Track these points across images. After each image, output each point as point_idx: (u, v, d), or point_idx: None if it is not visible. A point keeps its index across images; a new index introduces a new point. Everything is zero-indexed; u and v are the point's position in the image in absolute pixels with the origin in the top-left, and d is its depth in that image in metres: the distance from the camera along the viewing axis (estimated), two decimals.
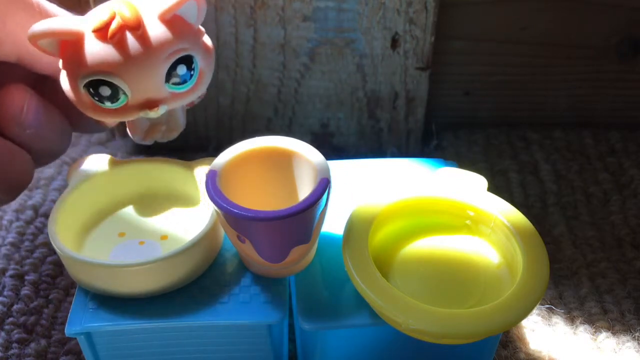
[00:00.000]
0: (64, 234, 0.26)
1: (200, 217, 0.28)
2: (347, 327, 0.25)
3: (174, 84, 0.24)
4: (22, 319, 0.32)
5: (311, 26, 0.38)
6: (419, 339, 0.23)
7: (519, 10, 0.40)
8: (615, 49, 0.41)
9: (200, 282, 0.26)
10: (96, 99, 0.24)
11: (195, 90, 0.25)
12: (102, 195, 0.28)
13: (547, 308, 0.32)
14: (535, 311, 0.32)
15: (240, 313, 0.25)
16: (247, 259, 0.26)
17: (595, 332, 0.31)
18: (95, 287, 0.25)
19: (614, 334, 0.31)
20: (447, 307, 0.23)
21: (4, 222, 0.37)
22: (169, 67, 0.24)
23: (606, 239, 0.36)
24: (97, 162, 0.29)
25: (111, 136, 0.44)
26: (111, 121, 0.27)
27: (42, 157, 0.28)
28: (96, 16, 0.24)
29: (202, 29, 0.26)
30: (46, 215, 0.38)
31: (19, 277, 0.34)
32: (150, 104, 0.24)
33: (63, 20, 0.24)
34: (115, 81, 0.23)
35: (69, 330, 0.25)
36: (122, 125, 0.27)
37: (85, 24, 0.24)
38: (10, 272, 0.34)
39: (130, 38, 0.23)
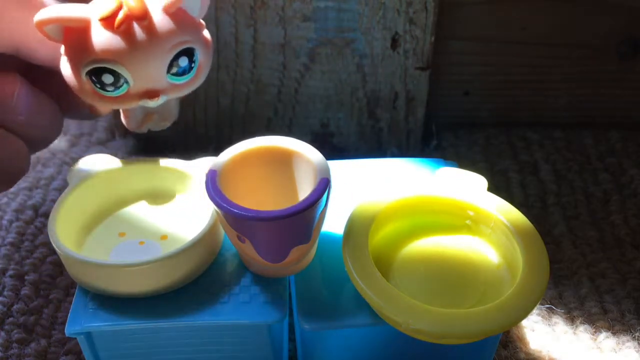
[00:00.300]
0: (64, 233, 0.26)
1: (200, 217, 0.28)
2: (347, 327, 0.25)
3: (175, 75, 0.25)
4: (22, 319, 0.32)
5: (311, 26, 0.38)
6: (419, 339, 0.23)
7: (519, 10, 0.40)
8: (615, 49, 0.41)
9: (200, 282, 0.26)
10: (98, 86, 0.24)
11: (194, 82, 0.26)
12: (102, 195, 0.28)
13: (547, 308, 0.32)
14: (535, 311, 0.32)
15: (240, 313, 0.25)
16: (247, 259, 0.26)
17: (595, 332, 0.31)
18: (95, 287, 0.25)
19: (614, 333, 0.31)
20: (447, 307, 0.23)
21: (4, 222, 0.37)
22: (172, 59, 0.24)
23: (606, 239, 0.36)
24: (97, 162, 0.29)
25: (111, 136, 0.44)
26: (108, 108, 0.27)
27: (34, 144, 0.29)
28: (103, 5, 0.24)
29: (203, 22, 0.26)
30: (46, 215, 0.38)
31: (19, 277, 0.34)
32: (151, 94, 0.25)
33: (71, 7, 0.24)
34: (119, 69, 0.24)
35: (69, 330, 0.25)
36: (123, 125, 0.27)
37: (91, 11, 0.24)
38: (10, 272, 0.34)
39: (136, 28, 0.24)
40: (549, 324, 0.32)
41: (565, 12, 0.40)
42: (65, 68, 0.25)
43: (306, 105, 0.41)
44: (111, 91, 0.24)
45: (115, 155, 0.42)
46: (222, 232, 0.27)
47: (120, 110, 0.27)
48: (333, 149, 0.42)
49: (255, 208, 0.23)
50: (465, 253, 0.26)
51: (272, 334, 0.26)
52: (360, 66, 0.39)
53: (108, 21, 0.23)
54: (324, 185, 0.23)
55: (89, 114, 0.28)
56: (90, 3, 0.25)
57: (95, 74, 0.24)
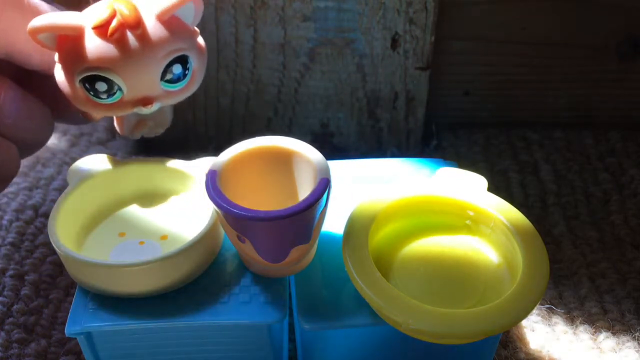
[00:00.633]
0: (64, 233, 0.26)
1: (200, 217, 0.28)
2: (347, 327, 0.25)
3: (169, 82, 0.25)
4: (22, 319, 0.32)
5: (311, 26, 0.38)
6: (419, 339, 0.23)
7: (519, 10, 0.40)
8: (615, 49, 0.41)
9: (200, 282, 0.26)
10: (91, 93, 0.24)
11: (188, 89, 0.26)
12: (102, 195, 0.28)
13: (547, 308, 0.32)
14: (535, 311, 0.32)
15: (240, 313, 0.25)
16: (247, 259, 0.26)
17: (595, 332, 0.31)
18: (95, 287, 0.25)
19: (614, 334, 0.31)
20: (447, 307, 0.23)
21: (4, 222, 0.37)
22: (165, 66, 0.24)
23: (606, 239, 0.36)
24: (97, 162, 0.29)
25: (111, 136, 0.44)
26: (101, 115, 0.27)
27: (24, 148, 0.29)
28: (96, 13, 0.24)
29: (197, 29, 0.26)
30: (46, 215, 0.38)
31: (19, 277, 0.34)
32: (145, 101, 0.25)
33: (64, 15, 0.24)
34: (112, 77, 0.24)
35: (69, 330, 0.25)
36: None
37: (84, 19, 0.24)
38: (10, 272, 0.34)
39: (129, 36, 0.24)
40: (549, 324, 0.32)
41: (565, 12, 0.40)
42: (59, 75, 0.25)
43: (306, 105, 0.41)
44: (105, 99, 0.24)
45: (115, 155, 0.42)
46: (222, 232, 0.27)
47: (114, 117, 0.27)
48: (333, 149, 0.42)
49: (255, 208, 0.23)
50: (465, 253, 0.26)
51: (272, 334, 0.26)
52: (360, 66, 0.39)
53: (101, 29, 0.24)
54: (323, 185, 0.23)
55: (82, 119, 0.28)
56: (84, 11, 0.25)
57: (89, 82, 0.24)
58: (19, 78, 0.29)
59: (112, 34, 0.23)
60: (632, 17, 0.40)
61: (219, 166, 0.25)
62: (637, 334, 0.31)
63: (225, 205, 0.23)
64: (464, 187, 0.27)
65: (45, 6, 0.28)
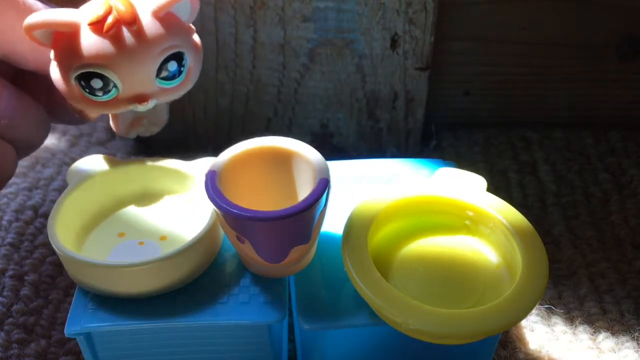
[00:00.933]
0: (63, 234, 0.26)
1: (200, 217, 0.28)
2: (347, 327, 0.25)
3: (164, 79, 0.25)
4: (22, 319, 0.32)
5: (311, 26, 0.38)
6: (418, 339, 0.23)
7: (519, 10, 0.40)
8: (615, 49, 0.41)
9: (200, 282, 0.26)
10: (87, 90, 0.25)
11: (183, 87, 0.26)
12: (102, 195, 0.28)
13: (547, 308, 0.32)
14: (534, 311, 0.32)
15: (240, 313, 0.25)
16: (246, 259, 0.26)
17: (594, 332, 0.31)
18: (95, 287, 0.25)
19: (613, 334, 0.31)
20: (446, 307, 0.23)
21: (4, 223, 0.37)
22: (161, 63, 0.24)
23: (606, 239, 0.36)
24: (97, 162, 0.29)
25: (111, 136, 0.44)
26: (97, 113, 0.27)
27: (20, 148, 0.29)
28: (92, 10, 0.24)
29: (193, 27, 0.26)
30: (46, 216, 0.38)
31: (19, 277, 0.34)
32: (140, 98, 0.25)
33: (60, 12, 0.24)
34: (108, 74, 0.24)
35: (69, 330, 0.25)
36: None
37: (80, 16, 0.24)
38: (10, 273, 0.34)
39: (125, 33, 0.24)
40: (548, 324, 0.32)
41: (565, 12, 0.40)
42: (55, 72, 0.25)
43: (306, 105, 0.41)
44: (100, 96, 0.25)
45: (115, 155, 0.42)
46: (221, 232, 0.27)
47: (109, 115, 0.27)
48: (333, 149, 0.42)
49: (255, 208, 0.23)
50: (465, 253, 0.26)
51: (272, 334, 0.26)
52: (360, 66, 0.39)
53: (97, 26, 0.24)
54: (323, 186, 0.23)
55: (78, 118, 0.28)
56: (80, 8, 0.25)
57: (84, 79, 0.24)
58: (15, 78, 0.29)
59: (108, 30, 0.23)
60: (632, 17, 0.40)
61: (219, 166, 0.25)
62: (636, 334, 0.31)
63: (224, 205, 0.23)
64: (464, 187, 0.27)
65: (40, 6, 0.28)
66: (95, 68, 0.24)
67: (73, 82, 0.24)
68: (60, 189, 0.39)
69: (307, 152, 0.25)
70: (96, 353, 0.26)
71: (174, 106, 0.28)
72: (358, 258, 0.24)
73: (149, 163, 0.29)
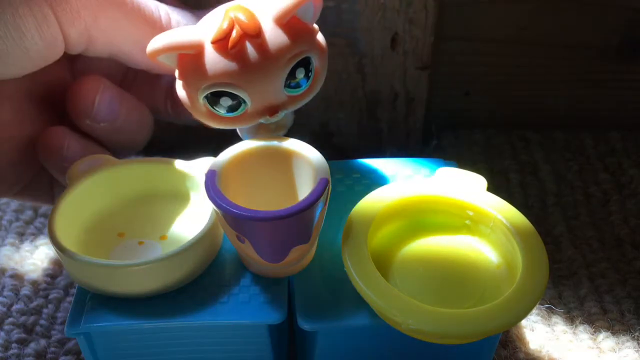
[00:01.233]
0: (63, 234, 0.26)
1: (200, 217, 0.28)
2: (347, 327, 0.25)
3: (292, 87, 0.24)
4: (22, 319, 0.32)
5: None
6: (418, 339, 0.23)
7: (519, 10, 0.40)
8: (615, 49, 0.41)
9: (200, 282, 0.26)
10: (215, 108, 0.24)
11: (311, 91, 0.25)
12: (101, 195, 0.28)
13: (547, 308, 0.32)
14: (534, 311, 0.32)
15: (240, 313, 0.25)
16: (246, 259, 0.26)
17: (594, 331, 0.31)
18: (95, 287, 0.25)
19: (613, 333, 0.31)
20: (447, 307, 0.23)
21: (4, 222, 0.37)
22: (288, 73, 0.24)
23: (606, 239, 0.36)
24: (97, 162, 0.29)
25: None
26: (225, 127, 0.26)
27: (120, 150, 0.28)
28: (213, 25, 0.23)
29: (316, 27, 0.25)
30: (46, 215, 0.38)
31: (19, 277, 0.34)
32: (271, 110, 0.24)
33: (182, 33, 0.23)
34: (236, 91, 0.23)
35: (69, 330, 0.25)
36: None
37: (202, 33, 0.23)
38: (10, 272, 0.34)
39: (249, 47, 0.23)
40: (548, 324, 0.32)
41: (565, 12, 0.40)
42: (181, 91, 0.25)
43: (306, 105, 0.41)
44: (229, 112, 0.24)
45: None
46: (221, 232, 0.27)
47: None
48: (333, 149, 0.42)
49: (255, 208, 0.23)
50: (465, 253, 0.26)
51: (272, 334, 0.26)
52: (360, 66, 0.39)
53: (221, 43, 0.23)
54: (323, 186, 0.23)
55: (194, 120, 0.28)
56: (200, 22, 0.24)
57: (213, 97, 0.24)
58: (123, 79, 0.29)
59: (233, 46, 0.23)
60: (632, 17, 0.40)
61: (219, 166, 0.25)
62: (636, 334, 0.31)
63: (224, 205, 0.23)
64: (464, 187, 0.27)
65: (151, 4, 0.27)
66: (224, 87, 0.23)
67: (201, 101, 0.24)
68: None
69: (307, 152, 0.25)
70: (96, 353, 0.26)
71: None
72: (358, 258, 0.24)
73: (149, 163, 0.29)
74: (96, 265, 0.24)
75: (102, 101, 0.27)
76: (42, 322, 0.32)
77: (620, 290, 0.33)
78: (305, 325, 0.25)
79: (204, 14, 0.25)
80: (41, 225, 0.37)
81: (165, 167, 0.29)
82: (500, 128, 0.44)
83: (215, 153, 0.26)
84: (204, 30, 0.24)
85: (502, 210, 0.26)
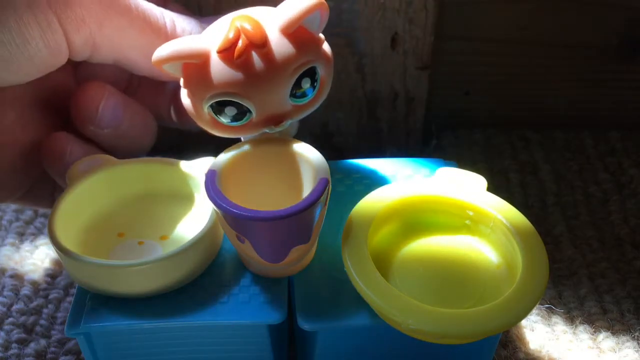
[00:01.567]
0: (63, 234, 0.26)
1: (200, 217, 0.28)
2: (347, 326, 0.25)
3: (297, 96, 0.24)
4: (22, 319, 0.32)
5: None
6: (418, 339, 0.23)
7: (519, 10, 0.40)
8: (615, 49, 0.41)
9: (200, 282, 0.26)
10: (220, 117, 0.24)
11: (316, 100, 0.25)
12: (101, 195, 0.28)
13: (547, 308, 0.32)
14: (534, 311, 0.32)
15: (240, 313, 0.25)
16: (246, 259, 0.26)
17: (594, 331, 0.31)
18: (95, 287, 0.25)
19: (613, 333, 0.31)
20: (446, 307, 0.23)
21: (4, 222, 0.37)
22: (294, 83, 0.24)
23: (606, 239, 0.36)
24: (97, 162, 0.29)
25: None
26: (229, 136, 0.26)
27: (123, 155, 0.29)
28: (219, 34, 0.23)
29: (322, 36, 0.25)
30: (46, 216, 0.38)
31: (19, 277, 0.34)
32: (275, 120, 0.24)
33: (188, 42, 0.23)
34: (242, 101, 0.23)
35: (69, 330, 0.25)
36: None
37: (207, 42, 0.23)
38: (10, 272, 0.34)
39: (255, 57, 0.23)
40: (548, 324, 0.32)
41: (565, 12, 0.40)
42: (185, 99, 0.25)
43: None
44: (234, 122, 0.24)
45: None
46: (221, 232, 0.27)
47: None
48: (333, 149, 0.42)
49: (255, 208, 0.23)
50: (465, 253, 0.26)
51: (272, 334, 0.26)
52: (360, 66, 0.39)
53: (227, 53, 0.23)
54: (323, 186, 0.23)
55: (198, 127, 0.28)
56: (205, 31, 0.24)
57: (218, 106, 0.24)
58: (128, 85, 0.29)
59: (239, 56, 0.23)
60: (632, 17, 0.40)
61: (219, 166, 0.25)
62: (636, 334, 0.31)
63: (224, 205, 0.23)
64: (464, 187, 0.27)
65: (156, 11, 0.27)
66: (229, 96, 0.23)
67: (205, 109, 0.24)
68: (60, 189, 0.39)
69: (307, 152, 0.25)
70: (96, 353, 0.26)
71: None
72: (358, 258, 0.24)
73: (149, 163, 0.29)
74: (96, 265, 0.24)
75: (106, 107, 0.27)
76: (42, 322, 0.32)
77: (620, 290, 0.33)
78: (305, 325, 0.25)
79: (209, 21, 0.25)
80: (41, 225, 0.37)
81: (165, 167, 0.29)
82: (500, 128, 0.44)
83: (215, 153, 0.26)
84: (209, 39, 0.24)
85: (502, 210, 0.26)
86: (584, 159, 0.42)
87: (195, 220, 0.28)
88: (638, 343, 0.30)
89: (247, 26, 0.23)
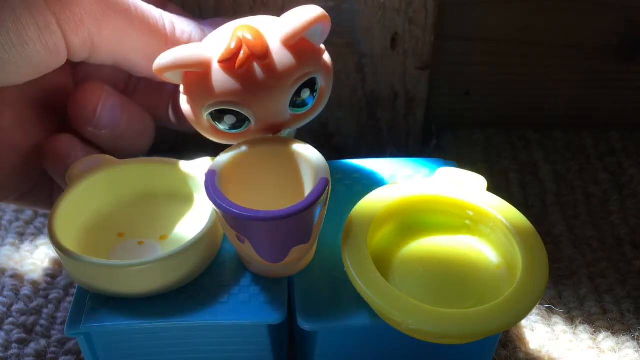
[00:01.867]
0: (63, 234, 0.26)
1: (200, 217, 0.28)
2: (347, 327, 0.25)
3: (297, 106, 0.24)
4: (22, 319, 0.32)
5: None
6: (418, 339, 0.23)
7: (519, 10, 0.40)
8: (615, 49, 0.41)
9: (200, 282, 0.26)
10: (219, 125, 0.24)
11: (315, 109, 0.25)
12: (101, 195, 0.28)
13: (547, 308, 0.32)
14: (534, 311, 0.32)
15: (240, 313, 0.25)
16: (246, 259, 0.26)
17: (594, 331, 0.31)
18: (95, 287, 0.25)
19: (613, 333, 0.31)
20: (446, 307, 0.23)
21: (4, 222, 0.37)
22: (294, 93, 0.24)
23: (606, 239, 0.36)
24: (97, 162, 0.29)
25: None
26: (227, 142, 0.26)
27: (122, 156, 0.29)
28: (220, 43, 0.23)
29: (323, 47, 0.25)
30: (46, 216, 0.38)
31: (19, 277, 0.34)
32: (274, 129, 0.24)
33: (189, 50, 0.23)
34: (241, 110, 0.23)
35: (69, 330, 0.25)
36: None
37: (209, 51, 0.23)
38: (10, 272, 0.34)
39: (256, 68, 0.23)
40: (548, 324, 0.32)
41: (565, 12, 0.40)
42: (185, 106, 0.25)
43: None
44: (233, 129, 0.24)
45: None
46: (221, 232, 0.27)
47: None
48: (333, 149, 0.42)
49: (255, 208, 0.23)
50: (465, 253, 0.26)
51: (272, 334, 0.26)
52: (360, 66, 0.39)
53: (228, 63, 0.23)
54: (323, 186, 0.23)
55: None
56: (207, 39, 0.24)
57: (217, 114, 0.24)
58: (126, 86, 0.29)
59: (240, 67, 0.23)
60: (632, 17, 0.40)
61: (219, 166, 0.25)
62: (636, 334, 0.31)
63: (224, 205, 0.23)
64: (464, 187, 0.27)
65: (155, 12, 0.27)
66: (229, 105, 0.23)
67: (205, 117, 0.24)
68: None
69: (307, 152, 0.25)
70: (96, 353, 0.26)
71: None
72: (358, 258, 0.24)
73: (149, 163, 0.29)
74: (96, 265, 0.24)
75: (104, 108, 0.27)
76: (42, 322, 0.32)
77: (620, 290, 0.33)
78: (305, 325, 0.25)
79: (209, 23, 0.25)
80: (41, 225, 0.37)
81: (165, 167, 0.29)
82: (500, 128, 0.44)
83: (215, 153, 0.26)
84: (211, 48, 0.24)
85: (502, 210, 0.26)
86: (584, 159, 0.42)
87: (195, 220, 0.28)
88: (638, 343, 0.30)
89: (249, 37, 0.23)
